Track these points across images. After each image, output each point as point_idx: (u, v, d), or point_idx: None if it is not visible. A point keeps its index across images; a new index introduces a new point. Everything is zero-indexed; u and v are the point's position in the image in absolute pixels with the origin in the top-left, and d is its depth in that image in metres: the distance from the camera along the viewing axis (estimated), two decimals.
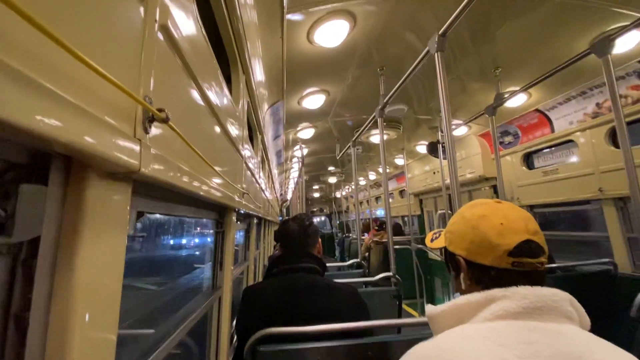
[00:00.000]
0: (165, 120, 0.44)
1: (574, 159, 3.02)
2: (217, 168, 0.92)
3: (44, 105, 0.26)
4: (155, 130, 0.48)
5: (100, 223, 0.37)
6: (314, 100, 3.03)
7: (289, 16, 1.73)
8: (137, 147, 0.39)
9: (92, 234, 0.36)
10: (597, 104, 2.70)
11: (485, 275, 0.61)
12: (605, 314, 2.29)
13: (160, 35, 0.52)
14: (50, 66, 0.28)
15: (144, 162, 0.41)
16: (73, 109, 0.30)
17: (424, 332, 1.12)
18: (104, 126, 0.34)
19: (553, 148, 3.31)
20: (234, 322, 1.56)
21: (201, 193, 0.75)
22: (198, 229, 1.73)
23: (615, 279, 2.48)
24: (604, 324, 2.25)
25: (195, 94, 0.75)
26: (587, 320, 0.57)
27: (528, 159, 3.63)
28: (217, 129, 1.00)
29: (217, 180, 0.94)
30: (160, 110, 0.43)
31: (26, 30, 0.24)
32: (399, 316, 2.03)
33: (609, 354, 0.49)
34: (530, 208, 3.46)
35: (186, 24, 0.65)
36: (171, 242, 1.49)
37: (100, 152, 0.32)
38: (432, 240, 0.85)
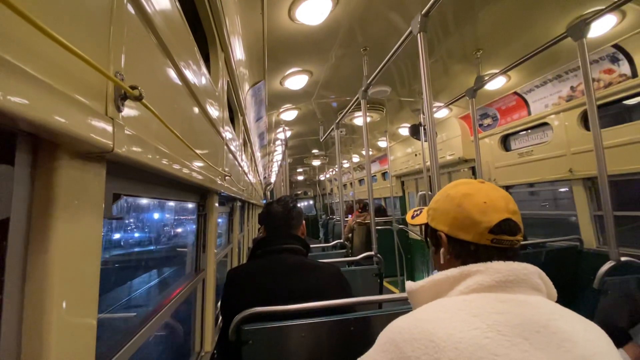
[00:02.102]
0: (138, 98, 0.42)
1: (547, 141, 3.14)
2: (197, 149, 0.90)
3: (8, 82, 0.25)
4: (129, 109, 0.46)
5: (73, 204, 0.36)
6: (296, 80, 2.97)
7: None
8: (109, 126, 0.38)
9: (65, 216, 0.34)
10: (572, 87, 2.79)
11: (464, 251, 0.64)
12: (572, 286, 2.46)
13: (130, 9, 0.49)
14: (13, 40, 0.26)
15: (117, 142, 0.39)
16: (39, 85, 0.28)
17: (404, 307, 1.17)
18: (72, 103, 0.32)
19: (529, 130, 3.42)
20: (219, 304, 1.58)
21: (181, 175, 0.74)
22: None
23: (581, 254, 2.65)
24: (571, 296, 2.42)
25: (171, 72, 0.72)
26: (553, 291, 0.62)
27: (505, 141, 3.74)
28: (196, 109, 0.97)
29: (197, 162, 0.93)
30: (133, 87, 0.42)
31: None
32: (380, 293, 2.10)
33: (571, 321, 0.53)
34: (506, 189, 3.60)
35: None
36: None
37: (69, 131, 0.31)
38: (412, 217, 0.87)
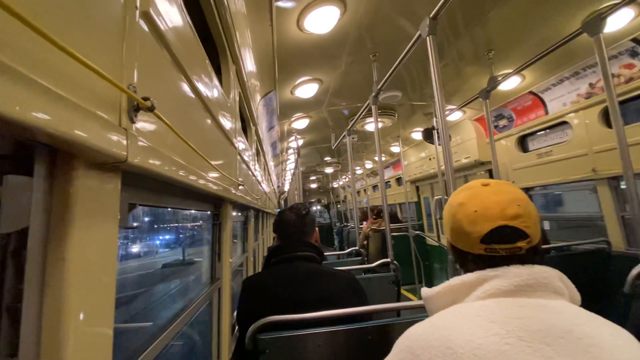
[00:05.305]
0: (151, 109, 0.43)
1: (567, 140, 3.04)
2: (210, 160, 0.91)
3: (26, 95, 0.26)
4: (142, 120, 0.47)
5: (89, 214, 0.37)
6: (307, 89, 3.00)
7: (277, 3, 1.70)
8: (123, 137, 0.39)
9: (81, 225, 0.35)
10: (590, 84, 2.70)
11: (464, 259, 0.65)
12: (601, 291, 2.34)
13: (142, 23, 0.51)
14: (30, 56, 0.28)
15: (131, 152, 0.40)
16: (55, 99, 0.29)
17: (422, 315, 1.14)
18: (87, 115, 0.34)
19: (547, 130, 3.32)
20: (235, 313, 1.58)
21: (195, 185, 0.75)
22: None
23: (610, 257, 2.52)
24: (600, 301, 2.30)
25: (183, 84, 0.74)
26: (577, 295, 0.58)
27: (522, 142, 3.64)
28: (209, 120, 0.99)
29: (211, 172, 0.94)
30: (145, 98, 0.43)
31: (6, 21, 0.24)
32: (398, 301, 2.05)
33: (597, 325, 0.50)
34: (526, 191, 3.49)
35: (170, 12, 0.64)
36: None
37: (84, 142, 0.32)
38: None
